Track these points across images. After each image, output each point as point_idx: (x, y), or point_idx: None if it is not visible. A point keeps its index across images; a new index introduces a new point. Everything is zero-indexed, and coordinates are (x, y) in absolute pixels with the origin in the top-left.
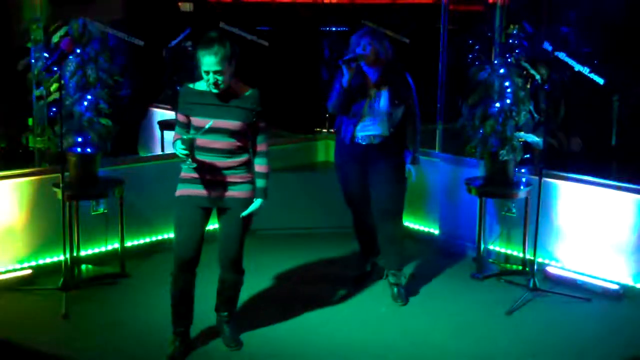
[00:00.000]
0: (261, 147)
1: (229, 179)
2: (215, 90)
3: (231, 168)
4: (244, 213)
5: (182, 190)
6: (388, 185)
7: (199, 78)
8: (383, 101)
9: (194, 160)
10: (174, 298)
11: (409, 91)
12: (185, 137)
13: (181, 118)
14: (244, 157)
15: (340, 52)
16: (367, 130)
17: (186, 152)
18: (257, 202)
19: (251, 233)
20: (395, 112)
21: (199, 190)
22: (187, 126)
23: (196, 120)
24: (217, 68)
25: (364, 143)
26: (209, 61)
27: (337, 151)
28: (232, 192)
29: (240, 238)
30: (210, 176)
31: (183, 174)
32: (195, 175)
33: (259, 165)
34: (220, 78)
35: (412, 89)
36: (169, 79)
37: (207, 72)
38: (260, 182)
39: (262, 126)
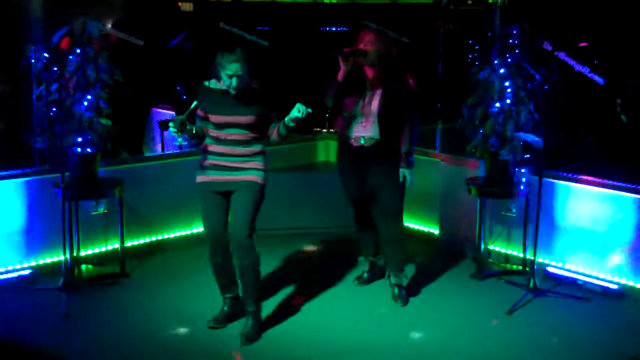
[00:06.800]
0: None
1: (242, 165)
2: (233, 92)
3: (245, 156)
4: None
5: (199, 177)
6: (384, 186)
7: (209, 77)
8: (375, 102)
9: (193, 136)
10: (215, 274)
11: (408, 94)
12: (176, 117)
13: (200, 113)
14: (257, 147)
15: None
16: (360, 132)
17: (174, 130)
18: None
19: None
20: (386, 115)
21: (214, 176)
22: (206, 119)
23: (213, 117)
24: (239, 73)
25: (357, 145)
26: (233, 67)
27: (338, 151)
28: (243, 176)
29: (251, 215)
30: (225, 163)
31: (201, 162)
32: (213, 162)
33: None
34: (241, 81)
35: (412, 93)
36: (169, 79)
37: (231, 77)
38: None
39: (273, 116)
